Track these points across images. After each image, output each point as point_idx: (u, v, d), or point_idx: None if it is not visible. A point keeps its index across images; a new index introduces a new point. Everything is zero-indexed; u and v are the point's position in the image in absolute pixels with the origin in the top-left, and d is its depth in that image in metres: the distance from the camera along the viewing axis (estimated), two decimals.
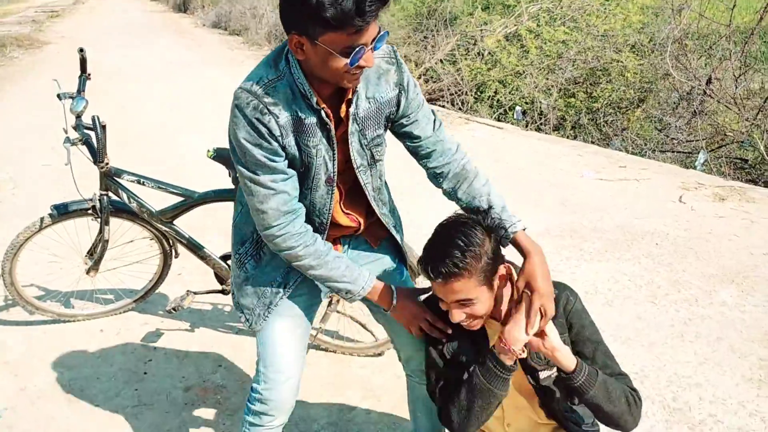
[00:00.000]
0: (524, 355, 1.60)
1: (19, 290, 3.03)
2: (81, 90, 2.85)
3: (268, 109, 1.52)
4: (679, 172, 5.90)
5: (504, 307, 1.68)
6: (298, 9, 1.39)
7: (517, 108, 8.31)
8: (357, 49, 1.41)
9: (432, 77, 9.15)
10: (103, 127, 2.73)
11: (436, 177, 1.81)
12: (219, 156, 2.82)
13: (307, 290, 1.87)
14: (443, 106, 8.56)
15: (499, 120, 8.21)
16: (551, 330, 1.56)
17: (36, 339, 3.14)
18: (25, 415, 2.65)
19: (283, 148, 1.57)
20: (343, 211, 1.79)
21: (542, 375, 1.65)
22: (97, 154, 2.75)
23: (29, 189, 5.11)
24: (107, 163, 2.78)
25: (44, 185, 5.11)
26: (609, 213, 4.75)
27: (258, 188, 1.59)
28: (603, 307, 3.42)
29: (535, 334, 1.57)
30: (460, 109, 8.42)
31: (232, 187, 2.80)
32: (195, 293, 3.00)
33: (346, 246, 1.91)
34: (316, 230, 1.73)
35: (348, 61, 1.42)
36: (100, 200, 2.84)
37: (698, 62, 8.31)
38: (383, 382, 2.81)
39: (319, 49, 1.42)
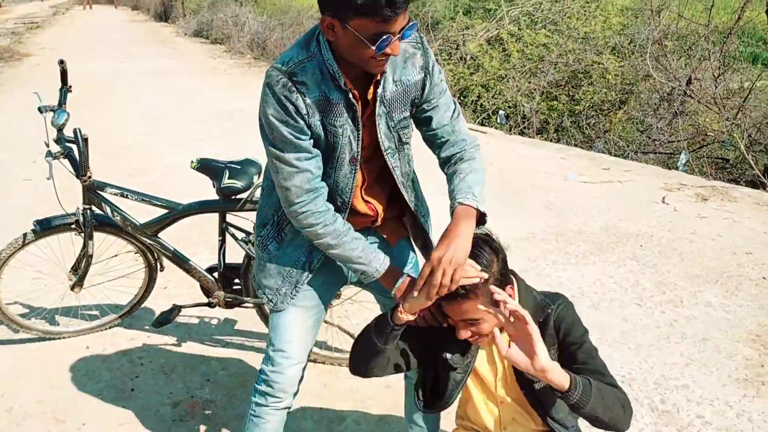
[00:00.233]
0: (411, 318, 1.64)
1: (3, 308, 3.00)
2: (62, 102, 2.83)
3: (296, 87, 1.58)
4: (662, 173, 5.95)
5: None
6: None
7: (501, 112, 8.35)
8: (384, 37, 1.46)
9: None
10: (85, 140, 2.70)
11: (444, 165, 1.83)
12: (203, 167, 2.81)
13: (326, 273, 1.91)
14: None
15: (482, 124, 8.25)
16: (541, 350, 1.52)
17: (21, 358, 3.10)
18: None
19: (309, 126, 1.62)
20: (363, 198, 1.83)
21: (537, 386, 1.66)
22: (80, 168, 2.72)
23: (11, 204, 5.04)
24: (90, 177, 2.76)
25: (26, 200, 5.06)
26: (593, 215, 4.78)
27: (283, 166, 1.64)
28: (590, 310, 3.44)
29: (528, 354, 1.52)
30: None
31: (217, 198, 2.79)
32: (181, 307, 2.98)
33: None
34: (337, 209, 1.77)
35: (374, 47, 1.47)
36: (83, 214, 2.82)
37: (678, 63, 8.41)
38: (373, 392, 2.81)
39: (349, 33, 1.48)
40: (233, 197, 2.75)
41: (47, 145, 2.70)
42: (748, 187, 5.71)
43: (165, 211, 2.84)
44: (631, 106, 8.35)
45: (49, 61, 12.73)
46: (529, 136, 7.78)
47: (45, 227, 2.83)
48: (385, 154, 1.75)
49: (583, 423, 1.69)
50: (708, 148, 7.44)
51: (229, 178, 2.71)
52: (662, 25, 8.44)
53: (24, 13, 30.04)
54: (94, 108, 8.24)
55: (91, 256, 2.92)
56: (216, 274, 2.93)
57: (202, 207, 2.82)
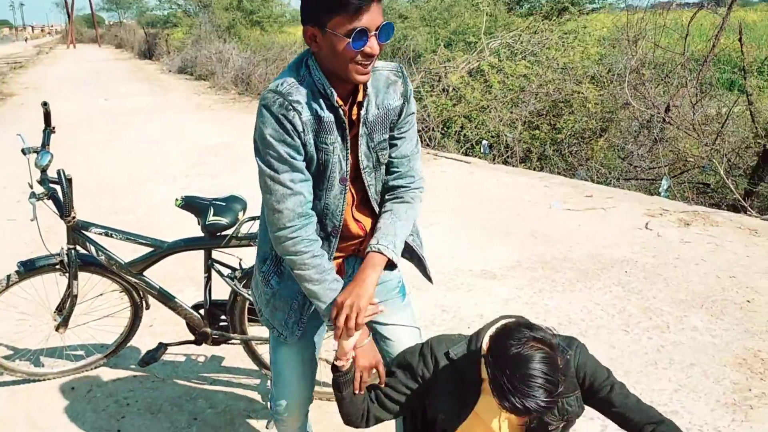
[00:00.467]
0: (345, 364, 1.72)
1: None
2: (45, 144, 2.83)
3: (292, 106, 1.63)
4: (644, 199, 6.02)
5: None
6: (310, 1, 1.57)
7: (484, 142, 8.44)
8: (359, 29, 1.52)
9: None
10: (69, 181, 2.71)
11: (386, 192, 1.89)
12: (187, 204, 2.81)
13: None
14: None
15: (466, 154, 8.32)
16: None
17: (5, 400, 3.05)
18: None
19: (304, 146, 1.67)
20: (353, 217, 1.87)
21: (551, 428, 1.69)
22: (64, 208, 2.72)
23: None
24: (74, 217, 2.76)
25: (10, 240, 5.02)
26: (578, 242, 4.82)
27: (277, 187, 1.67)
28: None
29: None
30: (428, 145, 8.53)
31: (202, 235, 2.79)
32: (167, 345, 2.96)
33: (350, 270, 1.96)
34: (328, 236, 1.81)
35: (351, 41, 1.53)
36: (67, 254, 2.80)
37: (656, 90, 8.57)
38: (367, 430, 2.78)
39: (328, 37, 1.55)
40: (218, 234, 2.75)
41: (31, 187, 2.70)
42: (729, 211, 5.78)
43: (150, 249, 2.83)
44: (611, 133, 8.48)
45: (33, 100, 12.77)
46: (513, 165, 7.86)
47: (29, 268, 2.81)
48: (363, 172, 1.81)
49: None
50: (689, 173, 7.55)
51: (214, 215, 2.72)
52: (639, 54, 8.62)
53: (8, 52, 30.16)
54: (78, 147, 8.24)
55: (75, 296, 2.90)
56: (202, 311, 2.92)
57: (187, 244, 2.82)
